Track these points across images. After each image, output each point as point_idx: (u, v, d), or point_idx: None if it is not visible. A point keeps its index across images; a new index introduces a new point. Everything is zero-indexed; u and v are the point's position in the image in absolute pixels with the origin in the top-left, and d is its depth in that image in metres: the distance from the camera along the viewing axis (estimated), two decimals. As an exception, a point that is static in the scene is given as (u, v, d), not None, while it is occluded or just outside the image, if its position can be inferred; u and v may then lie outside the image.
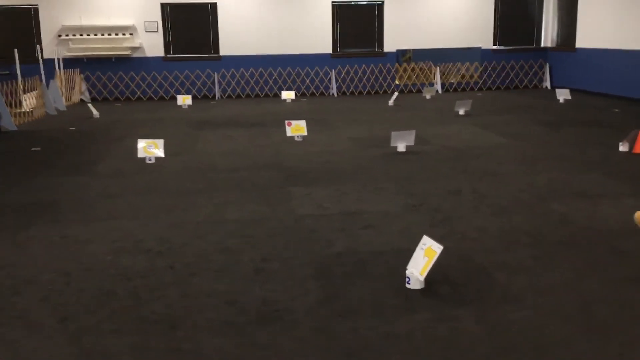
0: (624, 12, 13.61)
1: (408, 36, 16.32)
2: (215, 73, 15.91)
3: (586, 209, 5.58)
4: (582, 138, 9.13)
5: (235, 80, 16.04)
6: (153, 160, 7.92)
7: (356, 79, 16.35)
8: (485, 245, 4.70)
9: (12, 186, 6.88)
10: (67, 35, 15.32)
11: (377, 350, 3.18)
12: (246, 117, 12.19)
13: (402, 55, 16.64)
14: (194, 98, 15.10)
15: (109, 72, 15.67)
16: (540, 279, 4.04)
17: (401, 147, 8.27)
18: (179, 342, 3.31)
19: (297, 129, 9.36)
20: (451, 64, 16.84)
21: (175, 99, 14.87)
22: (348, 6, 16.24)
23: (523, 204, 5.78)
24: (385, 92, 16.34)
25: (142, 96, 15.91)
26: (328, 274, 4.19)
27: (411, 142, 8.33)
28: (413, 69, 16.59)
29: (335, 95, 16.13)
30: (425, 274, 3.89)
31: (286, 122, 9.53)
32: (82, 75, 15.60)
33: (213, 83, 15.98)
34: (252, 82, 16.10)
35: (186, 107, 14.00)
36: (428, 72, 16.82)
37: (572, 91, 13.99)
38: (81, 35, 15.39)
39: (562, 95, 13.49)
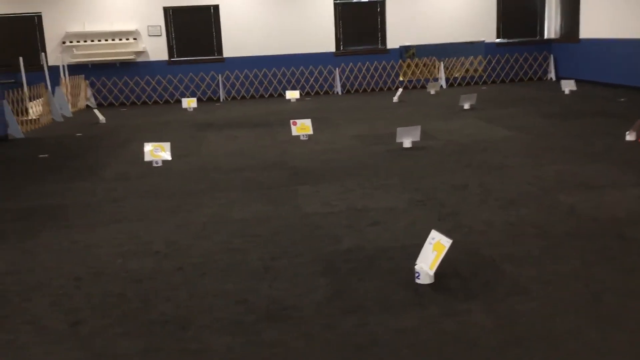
0: (626, 1, 13.53)
1: (411, 32, 16.30)
2: (219, 75, 15.94)
3: (593, 199, 5.56)
4: (588, 129, 9.10)
5: (239, 82, 16.07)
6: (160, 164, 7.95)
7: (360, 77, 16.34)
8: (493, 238, 4.70)
9: (21, 192, 6.92)
10: (71, 42, 15.39)
11: (386, 345, 3.19)
12: (251, 118, 12.21)
13: (405, 52, 16.62)
14: (198, 100, 15.14)
15: (113, 77, 15.74)
16: (549, 270, 4.03)
17: (407, 143, 8.26)
18: (188, 342, 3.32)
19: (302, 128, 9.37)
20: (455, 58, 16.80)
21: (180, 102, 14.92)
22: (350, 4, 16.23)
23: (530, 196, 5.76)
24: (389, 88, 16.32)
25: (147, 100, 15.96)
26: (336, 271, 4.20)
27: (417, 138, 8.32)
28: (417, 65, 16.57)
29: (340, 93, 16.14)
30: (434, 269, 3.89)
31: (291, 121, 9.54)
32: (87, 81, 15.67)
33: (217, 85, 16.02)
34: (256, 82, 16.12)
35: (191, 109, 14.04)
36: (432, 67, 16.79)
37: (578, 82, 13.93)
38: (85, 41, 15.46)
39: (568, 86, 13.43)
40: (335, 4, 16.07)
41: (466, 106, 11.83)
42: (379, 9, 16.32)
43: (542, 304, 3.56)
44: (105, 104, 15.78)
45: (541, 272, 4.01)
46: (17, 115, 11.60)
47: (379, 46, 16.46)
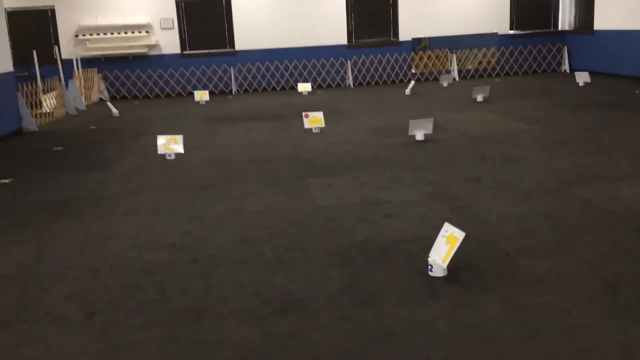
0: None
1: (423, 24, 16.21)
2: (232, 68, 15.96)
3: (608, 192, 5.53)
4: (603, 121, 9.03)
5: (251, 74, 16.08)
6: (173, 156, 7.98)
7: (372, 69, 16.29)
8: (507, 230, 4.68)
9: (37, 185, 6.98)
10: (84, 35, 15.45)
11: (401, 337, 3.19)
12: (263, 111, 12.23)
13: (417, 44, 16.53)
14: (211, 93, 15.16)
15: (126, 70, 15.79)
16: (563, 263, 4.02)
17: (419, 136, 8.24)
18: (204, 333, 3.35)
19: (314, 120, 9.37)
20: (468, 50, 16.70)
21: (192, 95, 14.95)
22: (362, -4, 16.16)
23: (544, 189, 5.73)
24: (401, 81, 16.27)
25: (159, 93, 16.01)
26: (350, 263, 4.21)
27: (429, 130, 8.29)
28: (429, 57, 16.49)
29: (352, 86, 16.10)
30: (447, 261, 3.89)
31: (303, 114, 9.54)
32: (100, 75, 15.73)
33: (229, 78, 16.03)
34: (268, 75, 16.12)
35: (204, 102, 14.07)
36: (444, 59, 16.70)
37: (592, 74, 13.80)
38: (98, 34, 15.51)
39: (582, 78, 13.31)
40: (347, -4, 16.01)
41: (479, 98, 11.77)
42: (391, 1, 16.23)
43: (557, 296, 3.56)
44: (119, 97, 15.84)
45: (556, 265, 4.00)
46: (31, 108, 11.68)
47: (391, 38, 16.39)
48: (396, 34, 16.34)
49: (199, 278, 4.10)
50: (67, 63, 14.69)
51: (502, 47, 16.53)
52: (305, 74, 16.12)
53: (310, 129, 9.39)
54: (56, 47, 14.59)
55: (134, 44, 15.56)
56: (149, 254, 4.60)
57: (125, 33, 15.57)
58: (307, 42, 15.99)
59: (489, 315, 3.37)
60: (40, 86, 12.35)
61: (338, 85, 16.27)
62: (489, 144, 7.81)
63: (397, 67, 16.34)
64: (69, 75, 14.13)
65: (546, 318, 3.31)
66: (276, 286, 3.90)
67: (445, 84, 14.90)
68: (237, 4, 15.76)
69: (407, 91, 13.77)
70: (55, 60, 14.00)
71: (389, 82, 16.32)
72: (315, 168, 7.06)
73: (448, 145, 7.86)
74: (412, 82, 14.38)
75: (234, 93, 15.94)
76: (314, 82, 16.06)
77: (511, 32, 16.58)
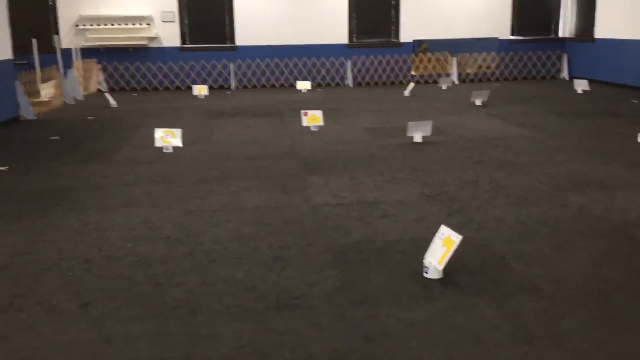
0: (644, 2, 13.42)
1: (424, 26, 16.21)
2: (231, 63, 15.93)
3: (604, 199, 5.55)
4: (600, 129, 9.06)
5: (250, 71, 16.06)
6: (170, 150, 7.97)
7: (372, 70, 16.30)
8: (503, 235, 4.70)
9: (32, 174, 6.96)
10: (84, 25, 15.40)
11: (395, 337, 3.20)
12: (262, 107, 12.22)
13: (418, 46, 16.55)
14: (210, 88, 15.12)
15: (125, 62, 15.74)
16: (558, 269, 4.03)
17: (417, 138, 8.25)
18: (198, 327, 3.34)
19: (313, 119, 9.37)
20: (468, 54, 16.72)
21: (191, 89, 14.92)
22: (364, -4, 16.16)
23: (541, 194, 5.75)
24: (401, 82, 16.28)
25: (158, 86, 15.98)
26: (345, 262, 4.21)
27: (428, 133, 8.30)
28: (429, 60, 16.50)
29: (351, 85, 16.10)
30: (443, 264, 3.90)
31: (302, 112, 9.53)
32: (99, 65, 15.68)
33: (229, 73, 16.01)
34: (267, 72, 16.10)
35: (202, 97, 14.05)
36: (444, 62, 16.72)
37: (591, 82, 13.84)
38: (98, 25, 15.46)
39: (581, 85, 13.35)
40: (349, -4, 16.01)
41: (478, 102, 11.79)
42: (393, 2, 16.23)
43: (551, 302, 3.57)
44: (117, 89, 15.80)
45: (551, 270, 4.01)
46: (29, 96, 11.63)
47: (392, 39, 16.40)
48: (397, 35, 16.35)
49: (194, 272, 4.10)
50: (67, 52, 14.64)
51: (502, 52, 16.55)
52: (305, 72, 16.11)
53: (309, 127, 9.39)
54: (56, 36, 14.53)
55: (135, 36, 15.52)
56: (145, 246, 4.60)
57: (126, 24, 15.53)
58: (307, 40, 15.99)
59: (483, 318, 3.38)
60: (39, 74, 12.31)
61: (337, 84, 16.27)
62: (486, 148, 7.83)
63: (397, 69, 16.35)
64: (68, 64, 14.09)
65: (540, 323, 3.32)
66: (271, 283, 3.90)
67: (444, 87, 14.92)
68: (239, -1, 15.74)
69: (406, 93, 13.78)
70: (55, 49, 13.94)
71: (388, 83, 16.33)
72: (312, 166, 7.06)
73: (446, 148, 7.87)
74: (412, 84, 14.39)
75: (233, 89, 15.92)
76: (313, 80, 16.06)
77: (512, 37, 16.60)
